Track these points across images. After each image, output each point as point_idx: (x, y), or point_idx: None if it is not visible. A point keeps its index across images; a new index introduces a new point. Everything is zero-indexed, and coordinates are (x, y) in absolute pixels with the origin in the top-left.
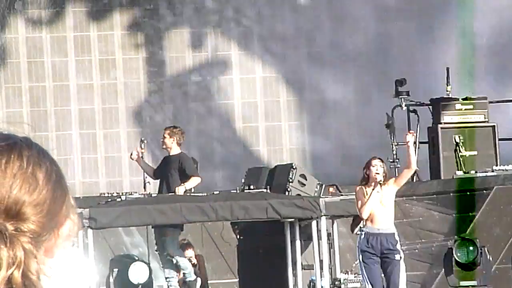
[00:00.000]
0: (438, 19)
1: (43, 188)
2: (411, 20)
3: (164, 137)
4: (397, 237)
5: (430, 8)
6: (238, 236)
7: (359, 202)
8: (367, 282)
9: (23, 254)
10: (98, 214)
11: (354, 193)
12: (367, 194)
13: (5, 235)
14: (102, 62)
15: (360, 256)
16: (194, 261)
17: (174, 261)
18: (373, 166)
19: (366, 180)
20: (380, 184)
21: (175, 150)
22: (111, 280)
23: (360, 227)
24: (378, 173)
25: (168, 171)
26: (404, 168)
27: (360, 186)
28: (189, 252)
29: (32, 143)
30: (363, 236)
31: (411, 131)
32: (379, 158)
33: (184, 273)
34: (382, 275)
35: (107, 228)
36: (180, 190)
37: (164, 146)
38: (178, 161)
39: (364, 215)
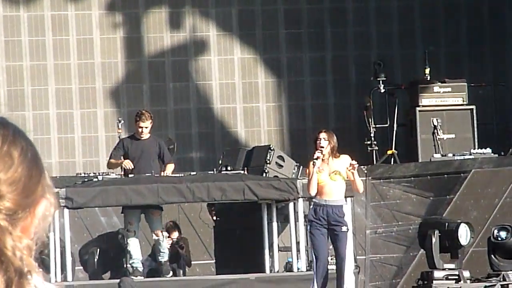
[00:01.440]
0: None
1: (18, 166)
2: (391, 1)
3: (146, 126)
4: (345, 210)
5: None
6: (214, 218)
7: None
8: (312, 252)
9: None
10: (75, 194)
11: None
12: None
13: None
14: (79, 42)
15: (308, 226)
16: (181, 242)
17: (160, 239)
18: (318, 140)
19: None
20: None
21: (147, 134)
22: (96, 259)
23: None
24: (322, 147)
25: (146, 156)
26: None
27: (313, 161)
28: (175, 234)
29: (8, 122)
30: (311, 206)
31: (353, 164)
32: (326, 131)
33: (161, 252)
34: (331, 246)
35: (84, 208)
36: None
37: (146, 134)
38: (156, 145)
39: (312, 192)
